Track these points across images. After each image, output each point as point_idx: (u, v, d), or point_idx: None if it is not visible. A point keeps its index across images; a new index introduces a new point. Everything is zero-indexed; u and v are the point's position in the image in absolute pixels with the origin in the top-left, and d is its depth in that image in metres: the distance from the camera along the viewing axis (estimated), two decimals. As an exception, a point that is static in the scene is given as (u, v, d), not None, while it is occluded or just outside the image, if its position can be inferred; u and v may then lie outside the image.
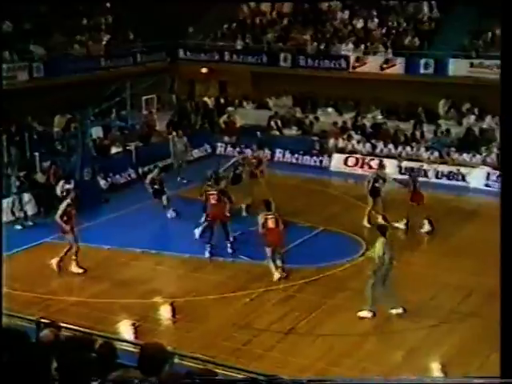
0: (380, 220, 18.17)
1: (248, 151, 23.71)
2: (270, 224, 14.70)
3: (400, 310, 13.21)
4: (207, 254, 16.01)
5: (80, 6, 28.59)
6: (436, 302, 13.94)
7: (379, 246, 13.02)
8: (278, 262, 14.87)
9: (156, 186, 18.78)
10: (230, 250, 16.16)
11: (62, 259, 15.27)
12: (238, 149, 25.68)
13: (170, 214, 18.76)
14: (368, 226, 17.96)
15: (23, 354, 4.83)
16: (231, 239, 16.39)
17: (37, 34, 25.60)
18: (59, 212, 15.22)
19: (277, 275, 14.72)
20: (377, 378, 11.49)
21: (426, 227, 17.84)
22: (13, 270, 15.18)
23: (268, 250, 14.84)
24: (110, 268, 15.69)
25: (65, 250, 15.25)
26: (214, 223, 16.15)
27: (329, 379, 10.62)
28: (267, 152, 25.31)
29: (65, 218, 15.18)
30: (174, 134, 22.35)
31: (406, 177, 19.93)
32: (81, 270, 15.24)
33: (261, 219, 14.74)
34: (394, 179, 19.24)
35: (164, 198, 18.83)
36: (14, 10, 25.09)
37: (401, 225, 17.98)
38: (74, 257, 15.28)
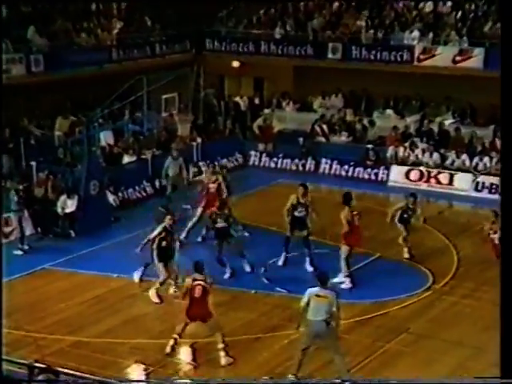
0: (406, 255, 17.81)
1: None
2: (356, 221, 16.02)
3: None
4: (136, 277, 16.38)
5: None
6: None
7: (305, 296, 12.31)
8: None
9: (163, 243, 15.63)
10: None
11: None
12: (275, 159, 25.82)
13: None
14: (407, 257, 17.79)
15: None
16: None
17: (36, 19, 26.10)
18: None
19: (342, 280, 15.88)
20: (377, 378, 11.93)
21: None
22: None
23: (345, 249, 16.03)
24: (119, 301, 15.76)
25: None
26: None
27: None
28: (310, 162, 25.34)
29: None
30: (172, 155, 21.56)
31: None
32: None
33: (346, 215, 16.07)
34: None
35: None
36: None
37: None
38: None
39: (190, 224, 18.80)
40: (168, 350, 13.44)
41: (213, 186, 19.04)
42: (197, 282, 13.14)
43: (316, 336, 12.31)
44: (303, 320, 12.47)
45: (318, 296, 12.23)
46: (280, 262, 17.37)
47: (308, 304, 12.24)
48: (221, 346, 13.25)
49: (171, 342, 13.43)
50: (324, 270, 13.36)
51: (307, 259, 17.16)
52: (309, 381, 12.49)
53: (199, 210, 18.89)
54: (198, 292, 13.10)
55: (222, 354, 13.24)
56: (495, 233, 16.43)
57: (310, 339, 12.38)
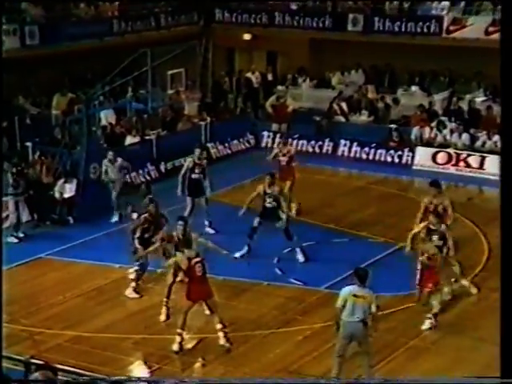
0: (460, 281, 15.83)
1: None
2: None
3: None
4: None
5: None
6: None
7: (341, 296, 12.04)
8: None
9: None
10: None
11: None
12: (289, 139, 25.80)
13: None
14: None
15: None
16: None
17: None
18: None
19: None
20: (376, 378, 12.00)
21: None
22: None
23: None
24: (120, 293, 15.82)
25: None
26: None
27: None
28: (328, 143, 25.32)
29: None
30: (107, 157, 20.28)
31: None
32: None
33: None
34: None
35: None
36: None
37: None
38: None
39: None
40: (175, 347, 13.55)
41: (284, 159, 19.10)
42: (195, 260, 13.36)
43: (352, 338, 12.16)
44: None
45: (355, 296, 11.97)
46: (238, 254, 16.95)
47: (344, 304, 12.01)
48: (220, 326, 13.53)
49: (178, 338, 13.54)
50: (364, 267, 13.05)
51: (297, 250, 17.10)
52: (321, 380, 12.54)
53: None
54: (198, 270, 13.35)
55: (222, 334, 13.51)
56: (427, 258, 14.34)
57: (344, 343, 12.20)
